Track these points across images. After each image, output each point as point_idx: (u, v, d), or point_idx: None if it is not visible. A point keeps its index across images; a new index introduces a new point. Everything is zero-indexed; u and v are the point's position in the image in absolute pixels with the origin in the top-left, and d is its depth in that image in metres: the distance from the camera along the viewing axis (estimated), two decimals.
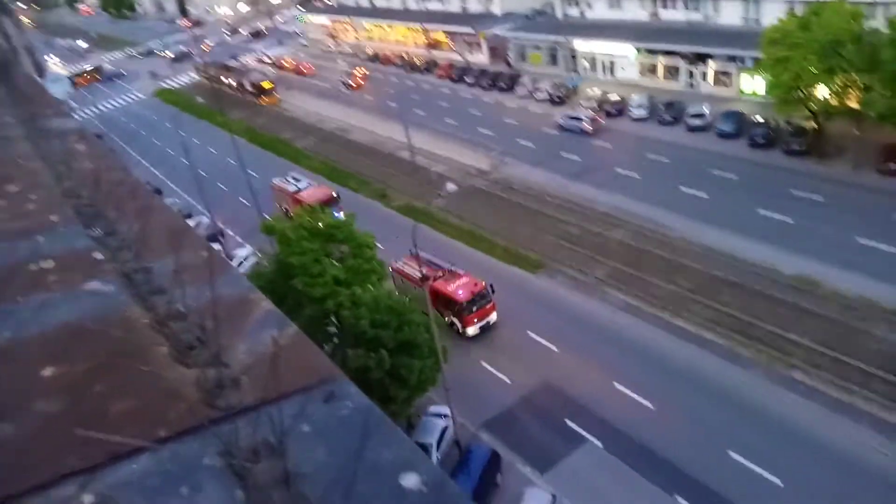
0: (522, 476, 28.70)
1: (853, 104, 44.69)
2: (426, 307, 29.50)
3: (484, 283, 37.43)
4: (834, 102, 45.93)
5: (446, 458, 29.62)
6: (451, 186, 51.51)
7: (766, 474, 26.68)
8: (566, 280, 41.48)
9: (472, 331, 36.97)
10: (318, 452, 2.40)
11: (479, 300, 37.07)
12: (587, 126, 59.98)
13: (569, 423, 30.98)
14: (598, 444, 29.70)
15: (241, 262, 44.16)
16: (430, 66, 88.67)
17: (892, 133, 44.26)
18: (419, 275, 34.98)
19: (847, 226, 39.67)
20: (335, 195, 50.56)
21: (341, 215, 45.29)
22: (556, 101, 68.50)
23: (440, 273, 38.48)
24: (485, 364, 35.13)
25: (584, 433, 30.29)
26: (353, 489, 2.17)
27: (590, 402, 31.74)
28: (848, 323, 33.30)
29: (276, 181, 54.80)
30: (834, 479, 25.99)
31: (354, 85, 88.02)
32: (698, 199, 46.51)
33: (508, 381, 34.01)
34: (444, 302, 36.90)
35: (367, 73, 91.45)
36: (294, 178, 55.06)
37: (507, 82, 75.67)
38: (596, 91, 67.40)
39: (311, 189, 52.28)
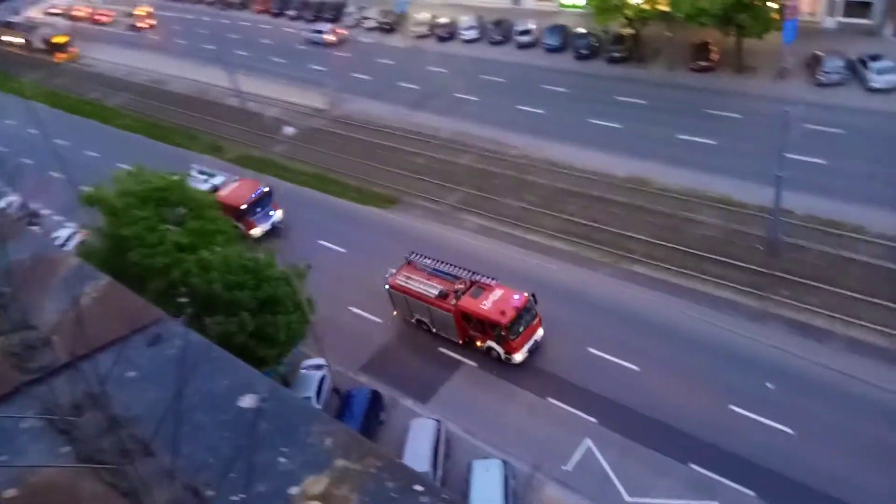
0: (406, 409, 29.20)
1: (664, 7, 47.46)
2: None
3: (527, 296, 29.76)
4: (646, 7, 48.55)
5: (328, 407, 29.35)
6: (288, 130, 49.13)
7: (623, 363, 29.10)
8: (421, 212, 41.60)
9: (519, 357, 29.64)
10: (147, 394, 2.51)
11: (525, 317, 29.52)
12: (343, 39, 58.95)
13: (442, 350, 31.73)
14: (474, 364, 30.77)
15: (63, 244, 39.57)
16: (245, 1, 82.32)
17: (700, 33, 47.90)
18: (435, 292, 30.58)
19: (668, 124, 42.88)
20: (266, 189, 41.61)
21: (278, 215, 41.24)
22: (386, 28, 66.65)
23: (460, 285, 30.83)
24: (354, 309, 34.75)
25: (458, 357, 31.20)
26: (187, 420, 2.21)
27: None
28: (677, 214, 36.50)
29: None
30: (682, 354, 28.94)
31: (143, 26, 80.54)
32: (535, 115, 47.93)
33: (380, 320, 33.98)
34: (479, 325, 29.83)
35: (152, 10, 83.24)
36: (202, 173, 44.35)
37: (332, 13, 72.19)
38: (425, 15, 66.30)
39: (233, 186, 42.13)
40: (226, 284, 25.98)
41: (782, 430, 25.08)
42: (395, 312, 32.99)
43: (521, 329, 29.29)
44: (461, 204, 41.48)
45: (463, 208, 41.10)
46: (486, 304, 29.46)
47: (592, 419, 27.23)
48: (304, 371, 31.04)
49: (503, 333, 28.87)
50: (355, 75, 59.35)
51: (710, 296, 31.44)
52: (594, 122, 45.40)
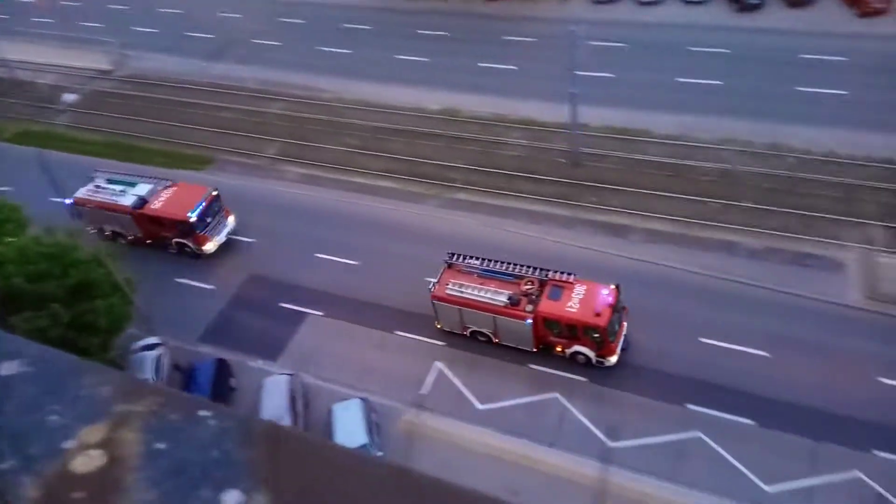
0: (257, 370, 28.75)
1: None
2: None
3: (614, 287, 26.33)
4: None
5: (172, 384, 28.07)
6: (69, 97, 43.93)
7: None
8: (238, 168, 39.84)
9: (614, 359, 26.29)
10: None
11: (618, 311, 26.30)
12: None
13: (284, 305, 31.37)
14: (318, 313, 30.83)
15: None
16: None
17: None
18: (504, 299, 26.43)
19: (470, 54, 44.31)
20: (215, 192, 33.58)
21: (231, 221, 34.17)
22: None
23: (528, 286, 26.95)
24: (182, 280, 32.97)
25: (302, 309, 31.05)
26: None
27: (296, 278, 32.26)
28: (488, 140, 38.38)
29: (85, 193, 34.35)
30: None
31: None
32: (342, 55, 47.11)
33: (211, 287, 32.65)
34: (566, 331, 26.21)
35: None
36: (114, 182, 34.45)
37: None
38: None
39: (168, 194, 33.45)
40: (27, 276, 23.47)
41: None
42: (438, 325, 28.52)
43: (617, 327, 26.14)
44: (280, 155, 40.30)
45: (282, 159, 39.98)
46: (574, 306, 25.84)
47: (441, 343, 28.70)
48: (136, 355, 29.20)
49: (600, 336, 25.51)
50: (138, 28, 53.99)
51: (527, 211, 33.85)
52: (401, 57, 45.62)
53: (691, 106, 37.00)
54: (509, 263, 27.53)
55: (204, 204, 32.62)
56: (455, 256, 28.36)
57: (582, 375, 26.54)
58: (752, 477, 22.71)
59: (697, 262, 29.67)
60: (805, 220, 30.40)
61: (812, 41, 39.49)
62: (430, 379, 27.52)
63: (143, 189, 33.86)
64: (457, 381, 27.26)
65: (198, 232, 32.60)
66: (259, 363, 29.22)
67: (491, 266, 27.70)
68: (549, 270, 26.95)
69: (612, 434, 24.53)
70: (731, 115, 35.78)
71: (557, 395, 26.14)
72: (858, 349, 25.43)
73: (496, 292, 26.78)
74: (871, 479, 22.05)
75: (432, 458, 24.59)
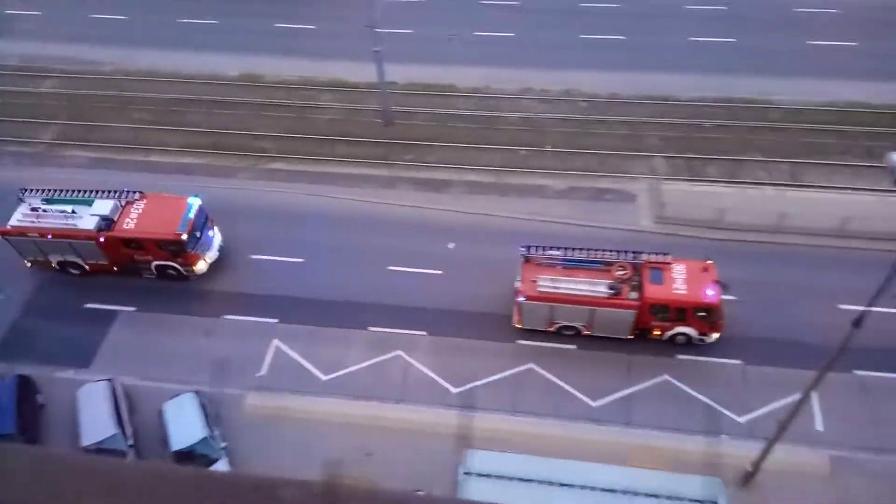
0: (68, 381, 25.78)
1: None
2: None
3: (712, 262, 25.31)
4: None
5: None
6: None
7: (288, 259, 29.75)
8: (12, 158, 34.71)
9: (716, 335, 25.65)
10: None
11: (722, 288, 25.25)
12: None
13: (89, 306, 28.31)
14: (130, 308, 28.25)
15: None
16: None
17: None
18: (604, 289, 24.70)
19: (264, 14, 42.11)
20: (198, 200, 28.77)
21: (217, 233, 29.38)
22: None
23: (620, 271, 25.21)
24: None
25: (110, 307, 28.26)
26: None
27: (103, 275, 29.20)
28: (298, 104, 37.00)
29: (21, 219, 28.18)
30: (337, 234, 30.62)
31: None
32: (115, 22, 42.38)
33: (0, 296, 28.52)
34: (675, 314, 25.03)
35: None
36: (53, 201, 28.49)
37: None
38: None
39: (140, 210, 28.24)
40: None
41: (434, 273, 28.89)
42: (518, 325, 26.43)
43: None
44: (60, 139, 35.66)
45: (64, 143, 35.44)
46: (681, 287, 24.81)
47: (274, 320, 27.70)
48: None
49: (712, 316, 24.90)
50: None
51: (346, 175, 33.39)
52: (186, 21, 42.10)
53: (491, 58, 38.48)
54: (591, 250, 25.76)
55: (191, 217, 27.97)
56: (531, 249, 25.93)
57: (420, 330, 27.17)
58: (580, 396, 25.00)
59: (514, 208, 31.39)
60: (600, 158, 33.26)
61: None
62: (268, 358, 26.58)
63: (103, 207, 28.16)
64: (297, 356, 26.60)
65: (188, 251, 28.00)
66: (69, 373, 26.23)
67: (574, 256, 25.74)
68: (640, 253, 25.57)
69: (456, 381, 25.58)
70: (527, 66, 37.81)
71: (400, 352, 26.55)
72: None
73: (593, 283, 25.16)
74: (676, 380, 25.28)
75: (284, 437, 24.03)
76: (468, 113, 36.08)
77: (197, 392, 24.54)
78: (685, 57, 37.80)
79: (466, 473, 20.39)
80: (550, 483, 19.87)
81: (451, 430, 23.58)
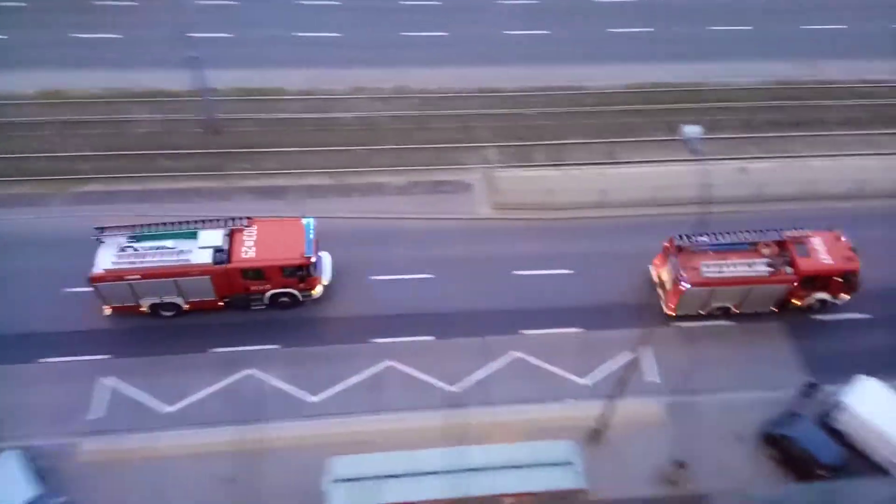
0: None
1: None
2: None
3: (840, 230, 27.97)
4: None
5: None
6: None
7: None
8: None
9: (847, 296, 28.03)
10: None
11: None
12: None
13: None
14: None
15: None
16: None
17: None
18: (764, 268, 26.43)
19: (56, 24, 38.36)
20: (312, 220, 27.00)
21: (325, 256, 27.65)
22: None
23: (766, 249, 27.10)
24: None
25: None
26: None
27: None
28: (112, 119, 34.17)
29: (117, 262, 24.99)
30: None
31: None
32: None
33: None
34: (826, 282, 27.27)
35: None
36: (142, 240, 25.76)
37: None
38: None
39: (258, 235, 26.22)
40: None
41: None
42: (672, 313, 27.19)
43: None
44: None
45: None
46: (827, 257, 27.06)
47: (105, 356, 25.44)
48: None
49: (855, 278, 27.21)
50: None
51: (175, 190, 31.41)
52: None
53: (317, 59, 37.91)
54: (733, 233, 27.17)
55: (313, 238, 26.49)
56: (682, 237, 26.88)
57: (272, 343, 26.28)
58: (440, 384, 25.52)
59: (356, 207, 31.26)
60: (436, 152, 34.02)
61: None
62: (100, 399, 24.34)
63: (213, 238, 25.85)
64: (133, 392, 24.62)
65: (313, 274, 26.48)
66: None
67: (720, 241, 27.03)
68: (776, 230, 27.25)
69: (314, 389, 25.06)
70: (356, 65, 37.70)
71: (253, 370, 25.50)
72: (495, 252, 29.90)
73: (752, 263, 26.65)
74: (526, 355, 26.57)
75: (130, 481, 22.18)
76: (299, 116, 35.32)
77: (18, 449, 21.94)
78: (505, 49, 39.63)
79: (333, 481, 20.11)
80: (417, 474, 20.15)
81: (315, 440, 23.17)
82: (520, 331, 27.25)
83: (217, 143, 33.50)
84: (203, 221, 26.33)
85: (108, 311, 25.99)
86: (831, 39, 41.27)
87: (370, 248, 29.51)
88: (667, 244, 27.62)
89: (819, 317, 28.47)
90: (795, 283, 26.98)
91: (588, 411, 24.01)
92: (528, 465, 20.89)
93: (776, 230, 27.42)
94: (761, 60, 39.42)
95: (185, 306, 26.45)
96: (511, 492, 20.49)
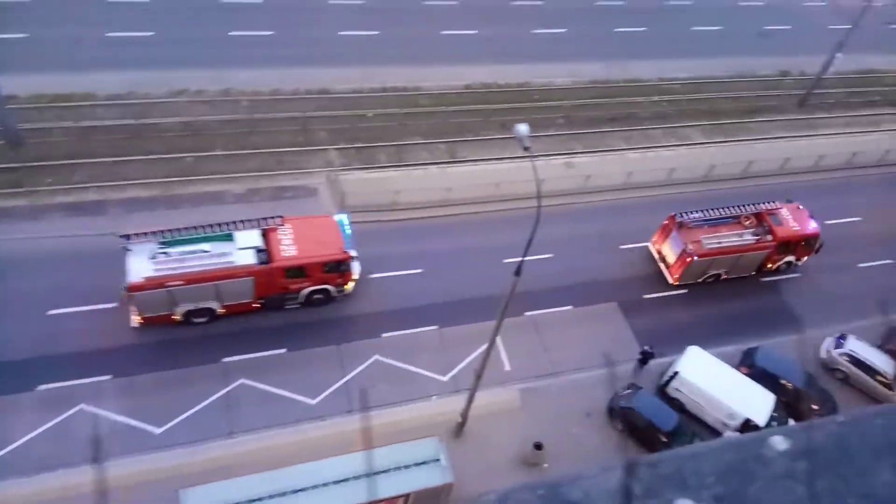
0: None
1: None
2: None
3: (798, 202, 32.78)
4: None
5: None
6: None
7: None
8: None
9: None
10: None
11: None
12: None
13: None
14: None
15: None
16: None
17: None
18: (751, 237, 30.99)
19: None
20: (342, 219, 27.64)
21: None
22: None
23: (748, 221, 31.52)
24: None
25: None
26: None
27: None
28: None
29: (156, 269, 23.67)
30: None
31: None
32: None
33: None
34: (795, 247, 32.02)
35: None
36: (176, 245, 24.46)
37: None
38: None
39: (294, 232, 26.12)
40: None
41: (109, 308, 25.34)
42: (676, 282, 30.77)
43: None
44: None
45: None
46: (795, 224, 31.39)
47: None
48: None
49: (816, 241, 31.89)
50: None
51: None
52: None
53: (130, 61, 34.74)
54: (719, 209, 30.79)
55: (349, 233, 27.49)
56: (681, 214, 30.30)
57: (102, 374, 23.70)
58: (299, 398, 24.54)
59: (190, 219, 29.05)
60: (275, 156, 32.68)
61: None
62: None
63: (252, 238, 25.75)
64: None
65: (349, 270, 27.06)
66: None
67: (709, 216, 30.69)
68: (754, 204, 31.32)
69: (158, 420, 22.98)
70: (175, 66, 35.03)
71: (81, 406, 22.81)
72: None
73: (741, 234, 30.69)
74: (385, 357, 26.35)
75: None
76: (114, 123, 32.18)
77: None
78: (337, 50, 39.02)
79: None
80: (276, 496, 19.16)
81: (165, 473, 21.23)
82: (380, 334, 26.99)
83: (20, 156, 29.56)
84: (235, 223, 25.58)
85: (137, 322, 24.68)
86: (638, 41, 45.44)
87: None
88: (666, 222, 31.00)
89: (647, 296, 31.20)
90: (773, 249, 31.25)
91: (451, 406, 24.35)
92: (395, 468, 20.70)
93: (753, 205, 31.60)
94: (579, 62, 42.40)
95: (220, 311, 25.61)
96: (379, 498, 20.19)
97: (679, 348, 27.67)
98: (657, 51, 44.51)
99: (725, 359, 28.00)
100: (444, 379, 26.25)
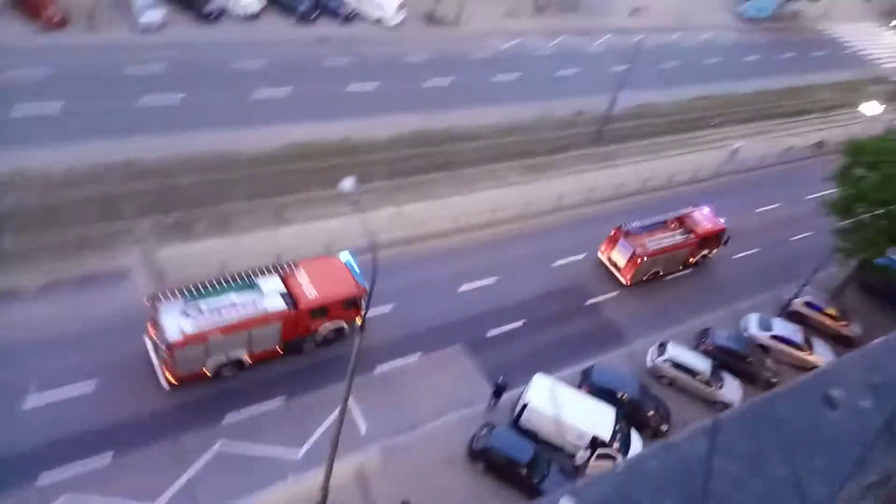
0: None
1: None
2: None
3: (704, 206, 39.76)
4: None
5: None
6: None
7: None
8: None
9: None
10: None
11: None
12: None
13: None
14: None
15: None
16: None
17: None
18: (682, 236, 37.44)
19: None
20: (347, 257, 29.64)
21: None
22: None
23: (675, 223, 38.34)
24: None
25: None
26: None
27: None
28: None
29: (194, 325, 24.25)
30: None
31: None
32: None
33: None
34: (709, 242, 38.95)
35: None
36: (201, 297, 25.49)
37: None
38: None
39: (305, 277, 27.63)
40: None
41: None
42: (628, 283, 36.29)
43: None
44: None
45: None
46: (707, 224, 38.26)
47: None
48: None
49: (723, 234, 38.90)
50: None
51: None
52: None
53: None
54: (656, 216, 37.68)
55: (358, 271, 28.63)
56: (626, 224, 36.20)
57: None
58: None
59: None
60: (77, 241, 29.36)
61: None
62: None
63: (274, 284, 26.77)
64: None
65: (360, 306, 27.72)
66: None
67: (644, 223, 36.93)
68: (679, 212, 38.49)
69: None
70: None
71: None
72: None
73: (674, 235, 36.77)
74: (231, 441, 24.34)
75: None
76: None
77: None
78: (136, 119, 36.38)
79: None
80: None
81: None
82: (223, 418, 24.97)
83: None
84: (251, 273, 26.54)
85: (172, 383, 24.74)
86: (449, 93, 47.69)
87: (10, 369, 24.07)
88: (613, 233, 36.69)
89: (489, 333, 32.13)
90: (695, 245, 37.54)
91: (307, 483, 23.01)
92: None
93: (675, 211, 38.67)
94: (397, 115, 43.42)
95: (249, 361, 26.17)
96: None
97: (528, 377, 28.65)
98: (467, 101, 47.03)
99: (568, 381, 29.48)
100: (298, 456, 24.79)
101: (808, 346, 35.71)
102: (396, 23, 52.98)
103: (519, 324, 32.91)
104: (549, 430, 27.33)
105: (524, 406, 27.40)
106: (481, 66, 52.52)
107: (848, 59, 76.04)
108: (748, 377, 33.34)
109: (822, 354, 35.55)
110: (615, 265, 36.84)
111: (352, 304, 27.97)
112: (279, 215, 34.37)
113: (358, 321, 27.91)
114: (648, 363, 32.57)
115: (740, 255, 41.84)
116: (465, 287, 33.85)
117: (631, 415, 29.12)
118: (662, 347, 32.67)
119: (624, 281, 36.41)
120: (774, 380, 33.38)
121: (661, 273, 37.63)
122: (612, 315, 35.39)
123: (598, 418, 27.71)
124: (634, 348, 33.68)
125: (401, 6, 52.97)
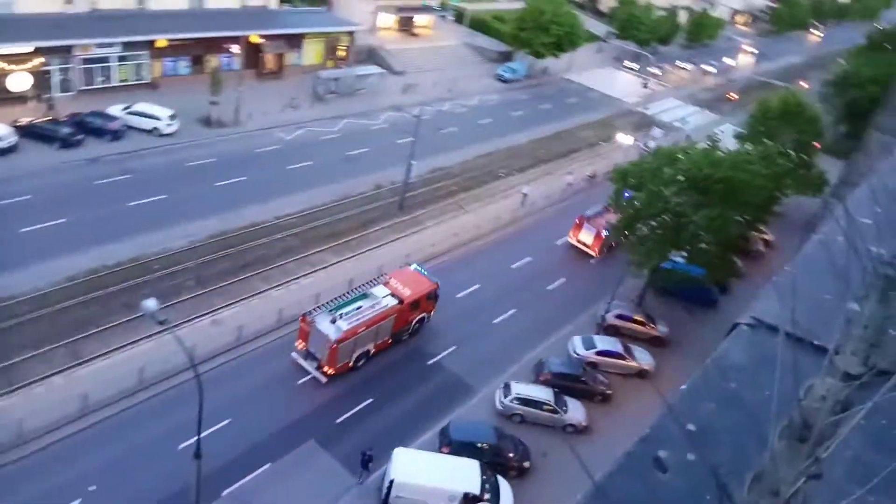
0: None
1: None
2: None
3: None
4: None
5: None
6: None
7: None
8: None
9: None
10: None
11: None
12: None
13: None
14: None
15: None
16: None
17: None
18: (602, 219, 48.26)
19: None
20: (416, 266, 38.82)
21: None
22: None
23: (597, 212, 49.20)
24: None
25: None
26: None
27: None
28: None
29: (348, 325, 31.96)
30: None
31: None
32: None
33: None
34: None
35: None
36: (342, 307, 33.41)
37: None
38: None
39: (395, 282, 36.03)
40: None
41: None
42: (598, 254, 48.39)
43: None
44: None
45: None
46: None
47: None
48: None
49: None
50: None
51: None
52: None
53: None
54: (600, 204, 48.80)
55: (426, 274, 37.29)
56: (585, 214, 48.90)
57: None
58: None
59: None
60: None
61: None
62: None
63: (383, 291, 34.88)
64: None
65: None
66: None
67: (590, 211, 49.31)
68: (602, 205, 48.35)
69: None
70: None
71: None
72: None
73: (614, 216, 44.49)
74: None
75: None
76: None
77: None
78: None
79: None
80: None
81: None
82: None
83: None
84: (362, 285, 35.08)
85: (329, 374, 31.85)
86: (242, 190, 46.53)
87: None
88: (577, 221, 48.84)
89: (338, 420, 30.89)
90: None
91: None
92: None
93: (602, 205, 48.34)
94: (187, 222, 41.29)
95: (373, 351, 33.81)
96: None
97: (389, 451, 27.77)
98: (264, 194, 46.22)
99: (428, 446, 29.06)
100: None
101: (629, 353, 38.90)
102: (173, 131, 51.17)
103: (368, 402, 32.09)
104: (421, 500, 26.55)
105: (391, 483, 26.42)
106: (271, 158, 52.22)
107: (596, 102, 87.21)
108: (587, 395, 35.37)
109: (641, 358, 38.91)
110: (584, 244, 48.54)
111: (433, 297, 36.44)
112: (75, 354, 30.59)
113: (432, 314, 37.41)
114: (498, 405, 33.27)
115: (555, 284, 45.05)
116: (302, 380, 32.44)
117: (494, 462, 29.33)
118: (507, 387, 33.62)
119: (594, 254, 48.28)
120: (609, 392, 35.81)
121: (614, 245, 48.09)
122: (454, 369, 35.87)
123: (464, 474, 27.51)
124: (484, 394, 34.31)
125: (172, 116, 51.33)
